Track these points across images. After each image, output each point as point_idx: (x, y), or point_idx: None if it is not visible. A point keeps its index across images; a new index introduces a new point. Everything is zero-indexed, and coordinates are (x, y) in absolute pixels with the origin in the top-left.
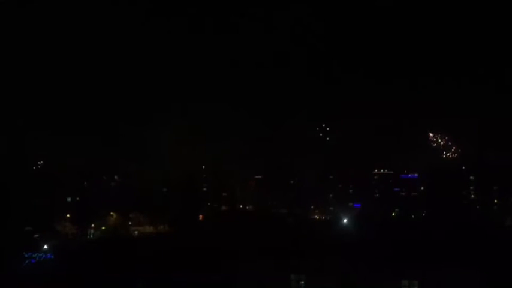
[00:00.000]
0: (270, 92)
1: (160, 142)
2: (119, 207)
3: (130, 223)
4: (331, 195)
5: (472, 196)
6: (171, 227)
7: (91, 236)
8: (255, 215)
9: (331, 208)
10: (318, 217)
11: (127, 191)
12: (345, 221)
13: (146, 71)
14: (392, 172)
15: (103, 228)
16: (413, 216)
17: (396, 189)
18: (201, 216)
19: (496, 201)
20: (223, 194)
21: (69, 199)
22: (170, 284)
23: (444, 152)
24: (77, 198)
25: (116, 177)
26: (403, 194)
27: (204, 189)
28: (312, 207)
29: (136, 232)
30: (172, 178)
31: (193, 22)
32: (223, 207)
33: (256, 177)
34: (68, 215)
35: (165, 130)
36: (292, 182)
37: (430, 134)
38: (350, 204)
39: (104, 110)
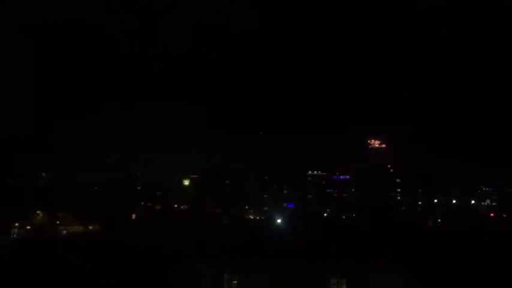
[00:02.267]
0: (208, 91)
1: (93, 140)
2: (46, 206)
3: (58, 222)
4: (266, 196)
5: (399, 198)
6: (102, 227)
7: (15, 236)
8: (189, 214)
9: (265, 208)
10: (252, 217)
11: (55, 188)
12: (279, 221)
13: (80, 68)
14: (325, 174)
15: (28, 227)
16: (344, 217)
17: (329, 190)
18: (133, 216)
19: (420, 203)
20: (158, 193)
21: None
22: (100, 286)
23: (375, 155)
24: None
25: (43, 174)
26: (335, 195)
27: (138, 187)
28: (246, 207)
29: (64, 231)
30: (104, 176)
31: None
32: (157, 207)
33: (192, 176)
34: None
35: (98, 127)
36: (227, 181)
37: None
38: (284, 204)
39: (34, 105)
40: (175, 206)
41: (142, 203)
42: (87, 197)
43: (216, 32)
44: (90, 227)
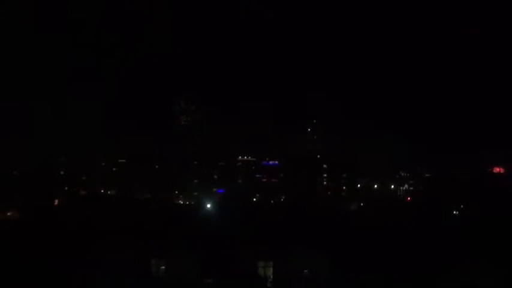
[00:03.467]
0: (135, 74)
1: (13, 123)
2: None
3: None
4: (196, 181)
5: (325, 183)
6: (21, 213)
7: None
8: (116, 199)
9: (195, 193)
10: (182, 202)
11: None
12: (208, 206)
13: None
14: (255, 159)
15: None
16: (272, 201)
17: (258, 175)
18: (56, 201)
19: (344, 187)
20: (83, 178)
21: None
22: (21, 275)
23: (303, 141)
24: None
25: None
26: (264, 180)
27: (62, 172)
28: (176, 192)
29: None
30: (24, 161)
31: None
32: (83, 192)
33: (120, 161)
34: None
35: (19, 110)
36: (157, 166)
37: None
38: (214, 189)
39: None
40: (102, 191)
41: (66, 188)
42: (5, 183)
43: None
44: (8, 214)
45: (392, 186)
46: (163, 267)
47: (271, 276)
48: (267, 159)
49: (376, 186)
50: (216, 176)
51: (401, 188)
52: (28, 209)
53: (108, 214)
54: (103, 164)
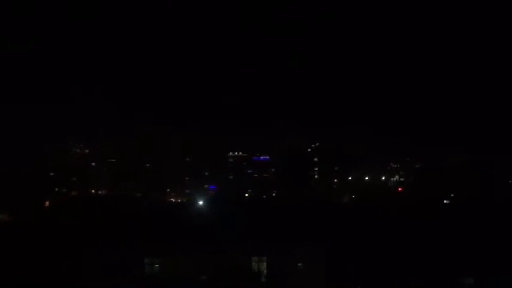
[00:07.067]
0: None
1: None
2: None
3: None
4: (187, 178)
5: (316, 176)
6: (11, 216)
7: None
8: (107, 199)
9: (187, 191)
10: (174, 200)
11: None
12: (201, 202)
13: None
14: (245, 155)
15: None
16: (264, 196)
17: (249, 170)
18: (47, 203)
19: (335, 180)
20: (73, 178)
21: None
22: (15, 277)
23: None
24: None
25: None
26: (256, 175)
27: (51, 173)
28: (168, 190)
29: None
30: (13, 161)
31: None
32: (73, 193)
33: (110, 160)
34: None
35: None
36: (148, 165)
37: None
38: (206, 186)
39: None
40: (93, 191)
41: (56, 189)
42: None
43: None
44: None
45: (383, 178)
46: (157, 265)
47: (265, 271)
48: (258, 154)
49: (367, 178)
50: (207, 173)
51: (392, 179)
52: (18, 212)
53: (99, 214)
54: (93, 164)
